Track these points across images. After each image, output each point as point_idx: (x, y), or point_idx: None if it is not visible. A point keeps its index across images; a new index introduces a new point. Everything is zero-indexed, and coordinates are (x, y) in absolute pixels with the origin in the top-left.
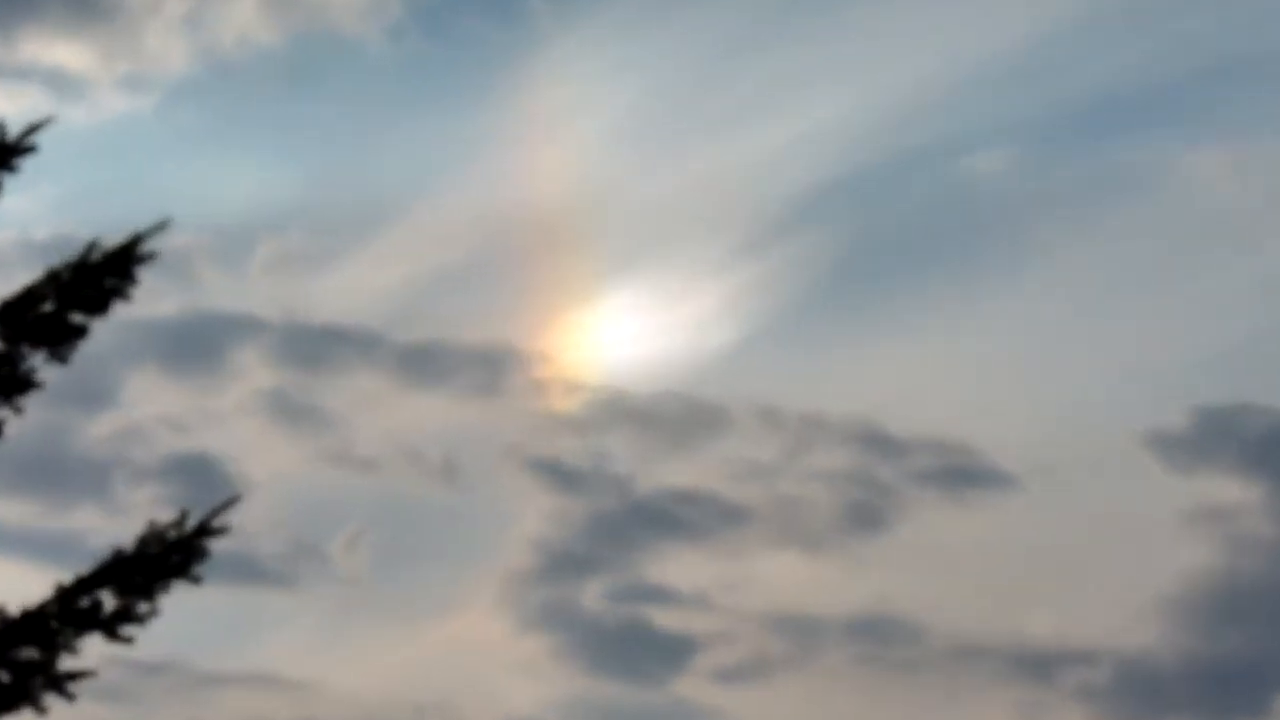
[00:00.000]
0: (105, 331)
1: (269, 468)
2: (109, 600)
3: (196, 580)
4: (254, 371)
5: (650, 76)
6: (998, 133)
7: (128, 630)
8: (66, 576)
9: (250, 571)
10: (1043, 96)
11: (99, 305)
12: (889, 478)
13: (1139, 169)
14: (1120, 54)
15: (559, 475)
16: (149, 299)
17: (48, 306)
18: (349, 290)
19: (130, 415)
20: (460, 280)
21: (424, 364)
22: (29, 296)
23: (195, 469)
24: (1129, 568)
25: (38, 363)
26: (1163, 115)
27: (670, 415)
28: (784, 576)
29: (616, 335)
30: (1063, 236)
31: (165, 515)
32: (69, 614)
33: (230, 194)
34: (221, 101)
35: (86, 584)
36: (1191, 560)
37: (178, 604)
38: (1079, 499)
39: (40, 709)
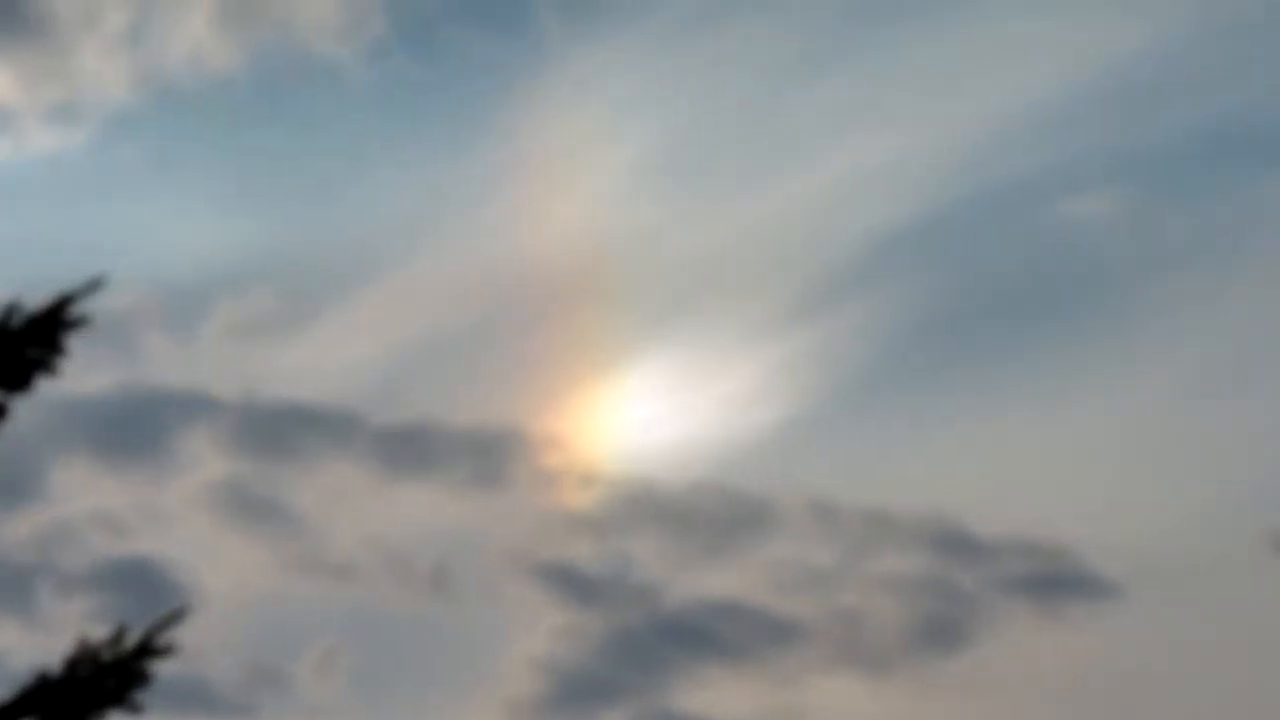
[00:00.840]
0: (28, 411)
1: (223, 576)
2: None
3: (137, 710)
4: (206, 460)
5: (684, 105)
6: (1104, 171)
7: None
8: None
9: (201, 700)
10: (1159, 127)
11: (20, 380)
12: (969, 586)
13: (1273, 216)
14: (1253, 76)
15: (572, 584)
16: (81, 373)
17: None
18: (320, 364)
19: (58, 512)
20: (453, 351)
21: (409, 451)
22: None
23: (135, 577)
24: (1259, 694)
25: None
26: None
27: (705, 512)
28: (843, 707)
29: (641, 416)
30: (1179, 298)
31: (99, 631)
32: None
33: (179, 247)
34: (169, 136)
35: (4, 715)
36: None
37: None
38: (1197, 612)
39: None
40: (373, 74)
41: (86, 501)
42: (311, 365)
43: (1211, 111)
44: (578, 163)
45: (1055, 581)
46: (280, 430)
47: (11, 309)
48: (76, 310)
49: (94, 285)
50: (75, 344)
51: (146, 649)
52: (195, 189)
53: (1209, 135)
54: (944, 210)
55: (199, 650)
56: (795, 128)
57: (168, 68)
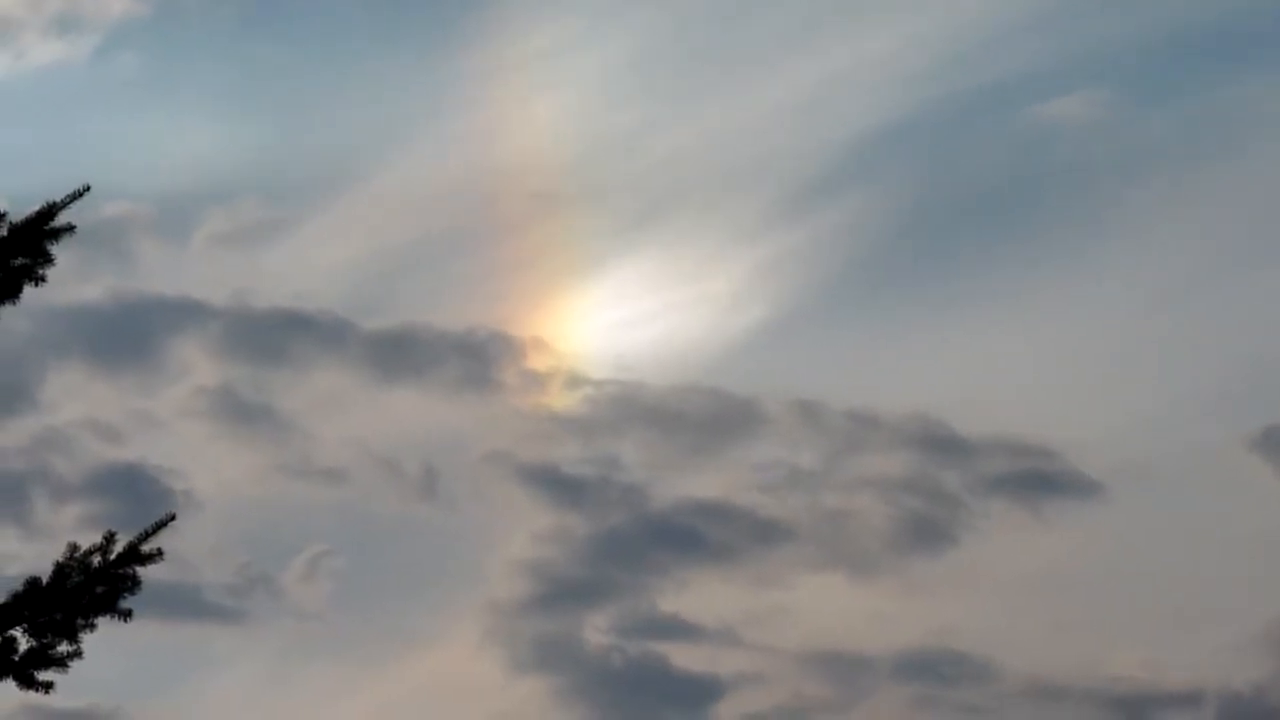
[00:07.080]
0: (18, 319)
1: (214, 481)
2: (22, 640)
3: (126, 615)
4: (197, 366)
5: (659, 10)
6: (1083, 72)
7: (45, 675)
8: None
9: (190, 605)
10: (1138, 29)
11: (8, 288)
12: (953, 486)
13: (1255, 115)
14: None
15: (558, 486)
16: (75, 281)
17: None
18: (309, 268)
19: (51, 420)
20: (438, 255)
21: (397, 355)
22: None
23: (127, 483)
24: (1237, 591)
25: None
26: None
27: (691, 413)
28: (827, 606)
29: (625, 318)
30: (1162, 198)
31: (89, 538)
32: None
33: (173, 156)
34: (167, 47)
35: None
36: None
37: (104, 643)
38: (1177, 510)
39: None
40: None
41: (79, 409)
42: (299, 271)
43: (1189, 14)
44: (561, 65)
45: (1039, 480)
46: (270, 336)
47: None
48: (63, 219)
49: (78, 194)
50: (69, 254)
51: (135, 554)
52: (189, 99)
53: (1187, 38)
54: (925, 111)
55: (188, 556)
56: (778, 28)
57: None
